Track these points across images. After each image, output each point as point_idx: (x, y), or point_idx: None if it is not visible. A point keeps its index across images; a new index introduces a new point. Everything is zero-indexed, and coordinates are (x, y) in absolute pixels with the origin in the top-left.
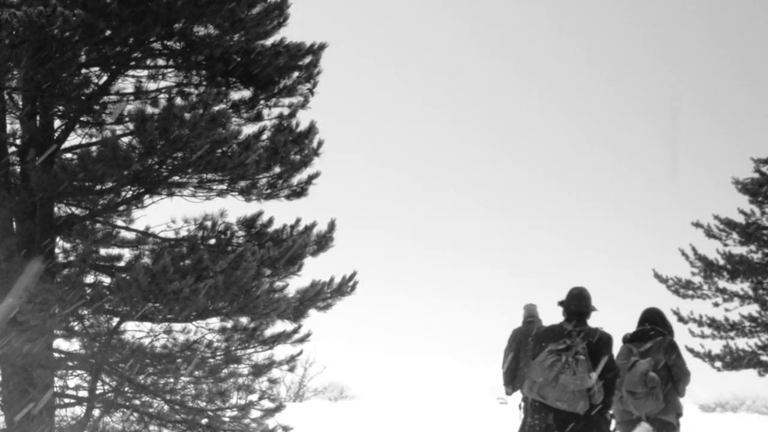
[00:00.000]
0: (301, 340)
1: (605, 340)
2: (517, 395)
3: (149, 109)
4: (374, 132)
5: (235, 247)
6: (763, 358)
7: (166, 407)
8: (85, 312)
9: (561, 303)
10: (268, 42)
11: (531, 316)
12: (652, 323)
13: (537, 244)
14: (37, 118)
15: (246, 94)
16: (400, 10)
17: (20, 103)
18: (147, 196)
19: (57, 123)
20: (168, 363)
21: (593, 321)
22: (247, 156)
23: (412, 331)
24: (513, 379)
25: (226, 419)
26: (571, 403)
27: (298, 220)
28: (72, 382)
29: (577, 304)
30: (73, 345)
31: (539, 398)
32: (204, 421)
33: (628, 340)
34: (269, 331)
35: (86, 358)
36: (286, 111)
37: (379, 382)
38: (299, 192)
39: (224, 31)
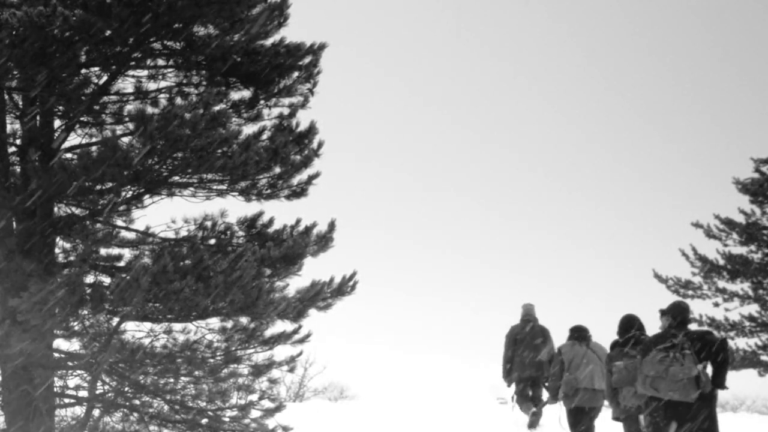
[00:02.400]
0: (301, 340)
1: (709, 339)
2: (511, 388)
3: (149, 109)
4: (374, 132)
5: (236, 247)
6: (764, 358)
7: (166, 407)
8: (85, 312)
9: (664, 312)
10: (268, 42)
11: (528, 314)
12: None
13: (537, 243)
14: (37, 118)
15: (246, 94)
16: (400, 10)
17: (20, 103)
18: (147, 196)
19: (57, 123)
20: (168, 363)
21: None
22: (247, 156)
23: (412, 331)
24: (510, 371)
25: (226, 419)
26: (682, 392)
27: (298, 221)
28: (72, 382)
29: (679, 314)
30: (73, 345)
31: (653, 391)
32: (204, 421)
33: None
34: (269, 331)
35: (86, 358)
36: (286, 111)
37: (379, 382)
38: (299, 192)
39: (224, 31)
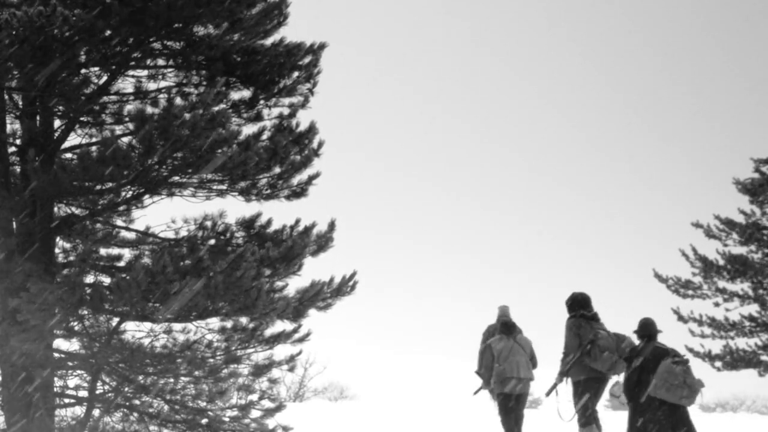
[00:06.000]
0: (301, 339)
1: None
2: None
3: (149, 109)
4: (374, 132)
5: (235, 247)
6: (764, 358)
7: (166, 407)
8: (85, 312)
9: (640, 333)
10: (268, 42)
11: (504, 315)
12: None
13: (537, 243)
14: (37, 118)
15: (246, 94)
16: (400, 10)
17: (20, 103)
18: (147, 196)
19: (57, 123)
20: (168, 363)
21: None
22: (246, 156)
23: (411, 331)
24: (491, 374)
25: (226, 419)
26: (692, 398)
27: (297, 221)
28: (72, 382)
29: (656, 331)
30: (73, 345)
31: (667, 396)
32: (204, 421)
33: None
34: (269, 331)
35: (86, 358)
36: (286, 111)
37: (379, 382)
38: (299, 192)
39: (224, 31)
